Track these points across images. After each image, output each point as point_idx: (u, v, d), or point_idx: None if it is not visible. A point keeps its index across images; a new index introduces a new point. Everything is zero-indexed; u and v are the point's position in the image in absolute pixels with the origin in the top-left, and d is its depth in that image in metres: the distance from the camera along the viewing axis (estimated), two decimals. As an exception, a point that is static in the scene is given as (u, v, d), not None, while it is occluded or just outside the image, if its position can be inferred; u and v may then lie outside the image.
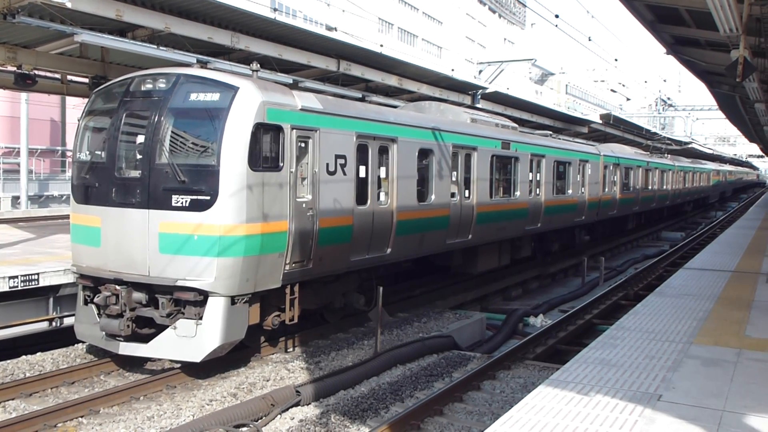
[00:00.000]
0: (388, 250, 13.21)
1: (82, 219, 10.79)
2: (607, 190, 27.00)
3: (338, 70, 17.21)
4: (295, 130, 10.69)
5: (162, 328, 9.98)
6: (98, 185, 10.54)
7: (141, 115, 10.42)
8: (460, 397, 9.87)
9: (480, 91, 23.77)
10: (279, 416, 9.00)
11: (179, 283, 9.73)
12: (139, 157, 10.28)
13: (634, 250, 32.91)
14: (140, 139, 10.30)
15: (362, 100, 18.19)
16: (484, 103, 24.14)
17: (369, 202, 12.56)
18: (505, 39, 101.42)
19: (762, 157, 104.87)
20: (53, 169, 37.50)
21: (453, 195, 15.42)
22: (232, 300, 9.87)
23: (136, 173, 10.24)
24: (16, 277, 11.27)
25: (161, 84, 10.36)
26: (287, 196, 10.52)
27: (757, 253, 18.72)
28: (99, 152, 10.73)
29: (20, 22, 11.48)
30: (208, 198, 9.70)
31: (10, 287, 11.18)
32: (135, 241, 10.03)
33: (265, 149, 10.19)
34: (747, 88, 16.73)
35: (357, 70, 17.82)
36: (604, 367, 7.90)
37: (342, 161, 11.74)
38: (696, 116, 62.77)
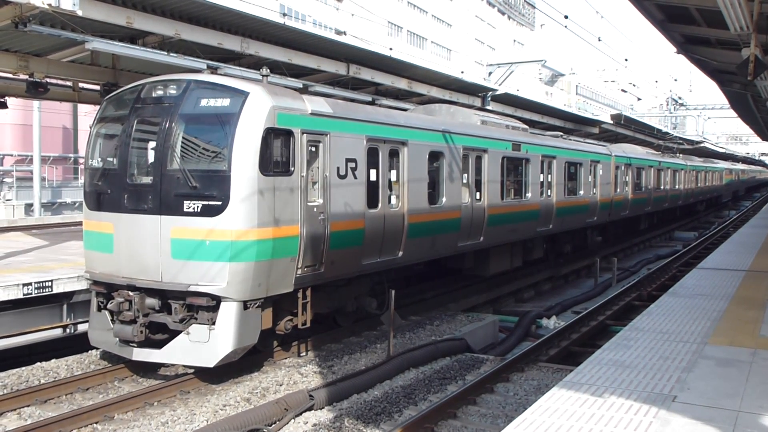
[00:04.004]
0: (400, 253, 13.20)
1: (95, 225, 10.84)
2: (618, 190, 26.89)
3: (348, 74, 17.23)
4: (305, 135, 10.71)
5: (175, 333, 10.02)
6: (110, 192, 10.59)
7: (152, 121, 10.47)
8: (473, 399, 9.85)
9: (490, 93, 23.71)
10: (292, 421, 9.00)
11: (192, 289, 9.76)
12: (150, 163, 10.33)
13: (647, 251, 32.74)
14: (152, 145, 10.36)
15: (372, 103, 18.20)
16: (494, 105, 24.09)
17: (380, 205, 12.56)
18: (514, 40, 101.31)
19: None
20: (66, 176, 37.76)
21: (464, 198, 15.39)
22: (245, 305, 9.89)
23: (147, 179, 10.29)
24: (30, 284, 11.34)
25: (172, 90, 10.41)
26: (298, 200, 10.54)
27: (772, 252, 18.58)
28: (111, 159, 10.79)
29: (32, 31, 11.55)
30: (220, 203, 9.73)
31: (24, 294, 11.25)
32: (147, 246, 10.08)
33: (276, 154, 10.21)
34: (759, 87, 16.65)
35: (367, 74, 17.83)
36: (618, 368, 7.86)
37: (353, 165, 11.76)
38: (707, 115, 62.42)
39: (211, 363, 9.79)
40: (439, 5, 78.73)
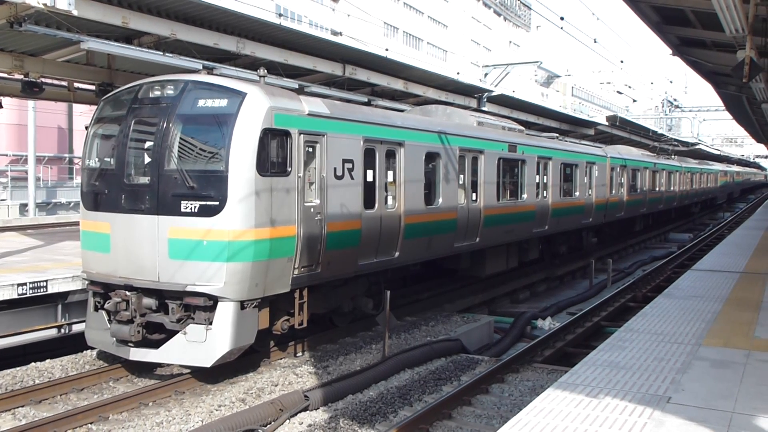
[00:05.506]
0: (396, 254, 13.22)
1: (92, 225, 10.84)
2: (614, 191, 26.95)
3: (344, 75, 17.24)
4: (302, 135, 10.72)
5: (172, 333, 10.01)
6: (107, 192, 10.59)
7: (149, 121, 10.46)
8: (468, 400, 9.87)
9: (486, 94, 23.75)
10: (288, 421, 9.01)
11: (189, 289, 9.76)
12: (147, 163, 10.33)
13: (642, 252, 32.80)
14: (149, 145, 10.36)
15: (368, 104, 18.21)
16: (490, 106, 24.13)
17: (377, 206, 12.58)
18: (510, 42, 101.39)
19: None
20: (61, 176, 37.62)
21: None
22: (242, 305, 9.90)
23: (145, 179, 10.28)
24: (25, 284, 11.32)
25: (169, 90, 10.41)
26: (295, 200, 10.55)
27: (766, 254, 18.65)
28: (108, 159, 10.79)
29: (27, 31, 11.54)
30: (217, 203, 9.73)
31: (19, 294, 11.22)
32: (145, 247, 10.08)
33: (273, 154, 10.22)
34: (754, 89, 16.69)
35: (363, 75, 17.85)
36: (612, 369, 7.89)
37: (349, 165, 11.77)
38: (703, 117, 62.60)
39: (208, 363, 9.79)
40: (435, 6, 78.79)
